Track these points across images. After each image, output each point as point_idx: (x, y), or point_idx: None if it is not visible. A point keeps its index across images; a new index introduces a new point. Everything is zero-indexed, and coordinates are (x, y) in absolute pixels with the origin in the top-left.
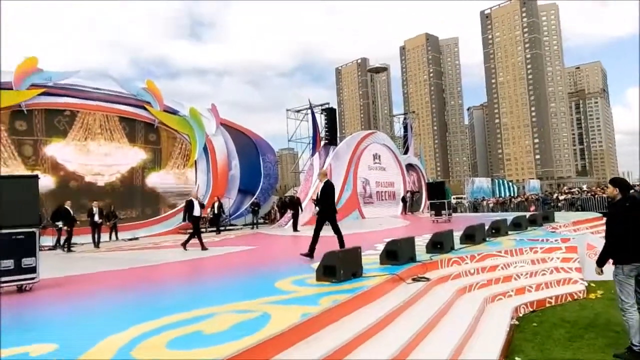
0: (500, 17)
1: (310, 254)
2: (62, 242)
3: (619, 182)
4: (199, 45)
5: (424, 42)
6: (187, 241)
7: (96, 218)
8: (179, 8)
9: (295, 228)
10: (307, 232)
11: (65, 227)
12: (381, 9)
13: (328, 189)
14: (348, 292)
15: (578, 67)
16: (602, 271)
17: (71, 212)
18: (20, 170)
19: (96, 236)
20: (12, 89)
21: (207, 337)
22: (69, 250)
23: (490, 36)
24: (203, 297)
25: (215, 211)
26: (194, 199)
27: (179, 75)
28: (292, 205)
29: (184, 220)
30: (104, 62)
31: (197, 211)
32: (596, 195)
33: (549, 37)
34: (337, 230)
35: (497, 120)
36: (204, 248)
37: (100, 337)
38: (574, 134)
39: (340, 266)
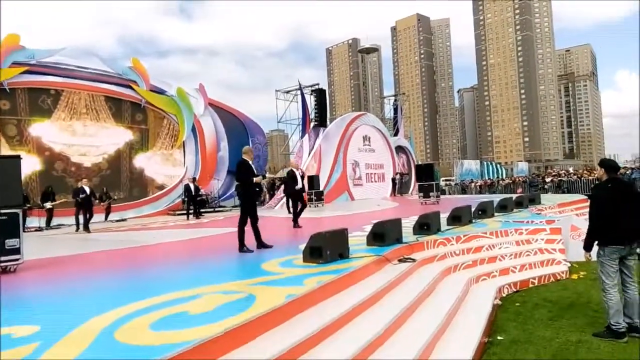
0: None
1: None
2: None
3: (606, 164)
4: (188, 24)
5: (415, 22)
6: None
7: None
8: None
9: (289, 209)
10: (303, 213)
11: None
12: None
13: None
14: (334, 272)
15: (568, 50)
16: (590, 256)
17: (88, 190)
18: (4, 150)
19: (82, 217)
20: None
21: (192, 318)
22: (87, 230)
23: (481, 17)
24: (190, 278)
25: (193, 193)
26: (295, 169)
27: (168, 53)
28: (286, 186)
29: (285, 191)
30: (91, 40)
31: (299, 183)
32: (582, 178)
33: (540, 18)
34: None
35: (487, 103)
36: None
37: (84, 319)
38: (562, 117)
39: (327, 247)
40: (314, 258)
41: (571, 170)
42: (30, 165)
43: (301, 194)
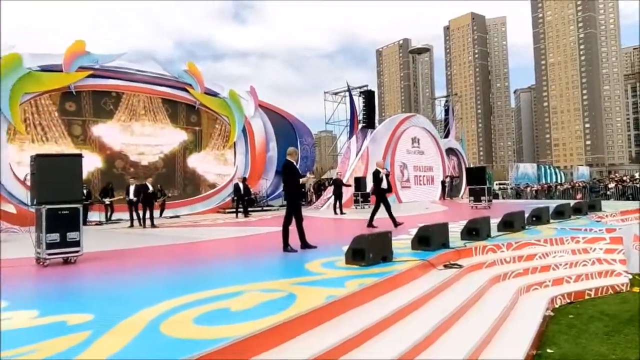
0: None
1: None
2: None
3: None
4: (242, 27)
5: (469, 21)
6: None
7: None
8: None
9: (336, 211)
10: (350, 214)
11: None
12: None
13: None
14: (376, 275)
15: (636, 47)
16: None
17: (150, 188)
18: (69, 148)
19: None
20: (62, 72)
21: (233, 315)
22: (153, 226)
23: (540, 15)
24: (234, 275)
25: (242, 192)
26: (380, 169)
27: (222, 57)
28: (336, 187)
29: (373, 192)
30: (150, 44)
31: (384, 183)
32: None
33: (605, 15)
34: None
35: (545, 104)
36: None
37: (133, 310)
38: (628, 119)
39: (370, 250)
40: (357, 260)
41: (637, 175)
42: (93, 163)
43: (384, 193)
